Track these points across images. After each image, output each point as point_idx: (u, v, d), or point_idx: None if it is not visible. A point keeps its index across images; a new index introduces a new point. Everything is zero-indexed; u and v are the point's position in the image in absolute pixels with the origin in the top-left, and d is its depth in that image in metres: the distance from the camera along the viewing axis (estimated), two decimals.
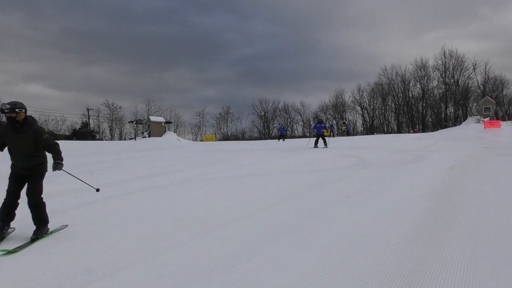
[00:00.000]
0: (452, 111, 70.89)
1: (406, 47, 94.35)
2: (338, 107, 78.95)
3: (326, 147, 19.45)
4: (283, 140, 36.15)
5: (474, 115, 51.50)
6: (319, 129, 20.19)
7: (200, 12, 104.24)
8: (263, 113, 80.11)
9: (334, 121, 66.93)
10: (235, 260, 3.20)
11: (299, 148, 18.85)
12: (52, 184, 7.91)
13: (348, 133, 50.34)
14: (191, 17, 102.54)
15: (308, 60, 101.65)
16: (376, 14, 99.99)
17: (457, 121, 61.31)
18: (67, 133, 61.60)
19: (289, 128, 40.21)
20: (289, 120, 76.19)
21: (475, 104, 64.88)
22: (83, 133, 57.93)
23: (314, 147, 19.33)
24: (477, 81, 68.48)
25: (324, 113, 79.03)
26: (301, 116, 78.84)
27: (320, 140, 19.93)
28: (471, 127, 37.71)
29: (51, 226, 4.35)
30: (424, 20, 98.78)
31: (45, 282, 2.86)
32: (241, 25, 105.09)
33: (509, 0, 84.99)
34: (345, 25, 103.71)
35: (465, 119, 52.77)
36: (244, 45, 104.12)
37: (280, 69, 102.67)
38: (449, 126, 50.99)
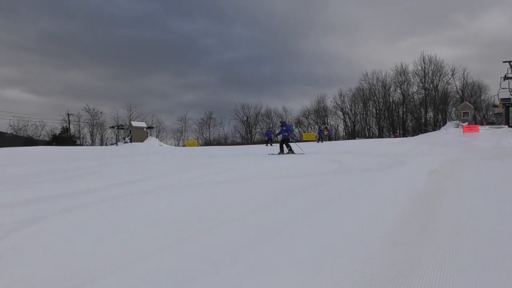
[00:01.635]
0: (432, 115, 72.22)
1: (384, 54, 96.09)
2: (320, 112, 79.70)
3: (292, 153, 17.97)
4: (271, 144, 34.00)
5: (453, 120, 52.33)
6: (281, 133, 18.71)
7: (180, 17, 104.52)
8: (245, 118, 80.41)
9: (323, 126, 67.26)
10: (218, 266, 3.19)
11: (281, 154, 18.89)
12: (30, 190, 7.80)
13: (330, 138, 50.64)
14: (170, 22, 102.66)
15: (288, 65, 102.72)
16: (354, 21, 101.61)
17: (436, 125, 62.40)
18: (47, 139, 60.74)
19: (272, 132, 38.71)
20: (271, 125, 76.50)
21: (454, 109, 66.21)
22: (64, 138, 57.15)
23: (279, 153, 18.09)
24: (456, 87, 69.97)
25: (306, 118, 79.58)
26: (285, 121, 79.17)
27: (287, 146, 18.37)
28: (450, 132, 38.24)
29: (27, 234, 4.27)
30: (400, 27, 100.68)
31: None
32: (221, 30, 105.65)
33: (482, 7, 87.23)
34: (324, 30, 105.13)
35: (444, 123, 53.65)
36: (224, 50, 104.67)
37: (260, 74, 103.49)
38: (429, 131, 51.68)
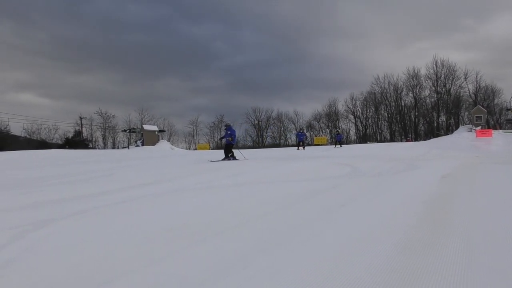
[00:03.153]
0: (444, 120, 71.62)
1: (393, 58, 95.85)
2: (331, 116, 79.44)
3: (234, 159, 16.91)
4: (303, 148, 32.30)
5: (466, 124, 51.89)
6: (225, 137, 17.41)
7: (190, 22, 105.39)
8: (256, 122, 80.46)
9: (339, 129, 67.02)
10: (229, 269, 3.19)
11: (292, 157, 18.85)
12: (43, 193, 7.87)
13: (341, 142, 50.43)
14: (181, 26, 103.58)
15: (298, 69, 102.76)
16: (363, 25, 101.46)
17: (449, 129, 61.85)
18: (60, 142, 61.35)
19: (304, 134, 36.74)
20: (282, 128, 76.41)
21: (466, 113, 65.60)
22: (76, 141, 57.72)
23: (223, 159, 16.79)
24: (469, 90, 69.33)
25: (318, 122, 79.41)
26: (294, 124, 79.45)
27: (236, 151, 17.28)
28: (463, 136, 37.89)
29: (40, 236, 4.32)
30: (409, 31, 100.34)
31: None
32: (231, 35, 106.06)
33: (492, 11, 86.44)
34: (334, 35, 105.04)
35: (457, 128, 53.17)
36: (235, 54, 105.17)
37: (270, 78, 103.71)
38: (441, 135, 51.30)
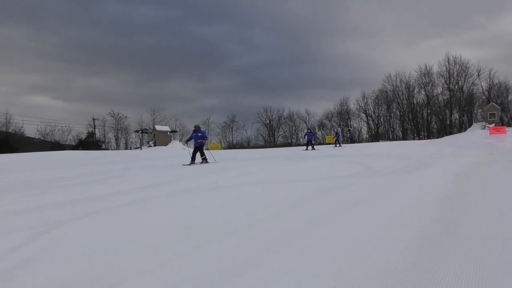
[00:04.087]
0: (457, 117, 70.85)
1: (404, 56, 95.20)
2: (343, 115, 79.09)
3: (206, 162, 15.62)
4: (312, 147, 30.67)
5: (479, 122, 51.29)
6: (196, 139, 15.98)
7: (201, 22, 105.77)
8: (268, 121, 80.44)
9: (339, 128, 66.60)
10: (241, 269, 3.20)
11: (304, 156, 18.81)
12: (57, 194, 7.97)
13: (352, 141, 50.13)
14: (192, 28, 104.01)
15: (309, 69, 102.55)
16: (373, 24, 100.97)
17: (462, 127, 61.23)
18: (73, 143, 61.99)
19: (313, 133, 35.50)
20: (294, 128, 76.30)
21: (480, 110, 64.81)
22: (89, 142, 58.24)
23: (191, 163, 15.38)
24: (482, 87, 68.49)
25: (329, 121, 79.15)
26: (306, 124, 79.17)
27: (198, 154, 15.70)
28: (477, 134, 37.53)
29: (55, 237, 4.37)
30: (419, 29, 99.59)
31: None
32: (241, 35, 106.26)
33: (504, 8, 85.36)
34: (344, 34, 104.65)
35: (470, 125, 52.65)
36: (245, 54, 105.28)
37: (281, 78, 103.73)
38: (455, 133, 50.84)
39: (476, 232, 4.12)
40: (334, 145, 36.55)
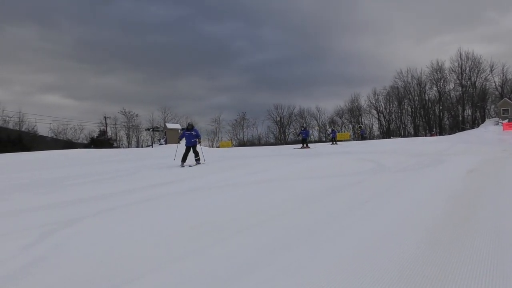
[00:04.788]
0: (470, 113, 70.06)
1: (415, 52, 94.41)
2: (354, 111, 78.73)
3: (199, 163, 14.55)
4: (307, 145, 29.24)
5: (492, 117, 50.72)
6: (189, 138, 14.79)
7: (211, 21, 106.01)
8: (278, 119, 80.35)
9: (358, 125, 66.19)
10: (253, 266, 3.20)
11: (314, 154, 18.75)
12: (70, 192, 8.04)
13: (363, 137, 49.83)
14: (202, 26, 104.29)
15: (319, 66, 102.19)
16: (383, 20, 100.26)
17: (475, 123, 60.58)
18: (85, 142, 62.47)
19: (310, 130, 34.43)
20: (305, 125, 76.22)
21: (493, 106, 64.00)
22: (101, 141, 58.57)
23: (181, 165, 14.20)
24: (495, 83, 67.61)
25: (340, 118, 78.83)
26: (316, 121, 78.97)
27: (191, 154, 14.55)
28: (490, 130, 37.07)
29: (68, 235, 4.41)
30: (430, 25, 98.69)
31: None
32: (251, 33, 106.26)
33: None
34: (354, 30, 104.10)
35: (483, 121, 52.07)
36: (255, 52, 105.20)
37: (291, 75, 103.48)
38: (467, 129, 50.29)
39: (490, 228, 4.07)
40: (331, 143, 35.60)
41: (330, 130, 44.00)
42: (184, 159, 14.44)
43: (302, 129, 33.28)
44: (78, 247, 4.03)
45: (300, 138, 31.42)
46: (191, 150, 14.71)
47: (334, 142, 34.41)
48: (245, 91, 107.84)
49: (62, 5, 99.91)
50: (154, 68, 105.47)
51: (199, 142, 15.35)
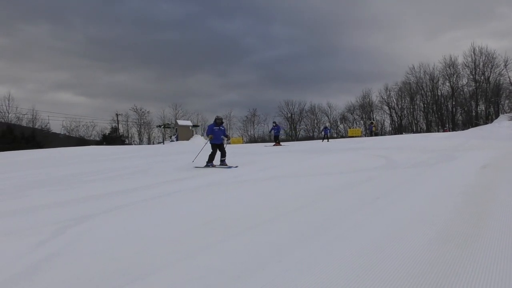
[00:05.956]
0: (483, 109, 69.15)
1: (425, 48, 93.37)
2: (365, 107, 78.24)
3: (225, 165, 12.26)
4: (278, 143, 27.35)
5: (506, 113, 50.05)
6: (218, 135, 12.62)
7: (221, 18, 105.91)
8: (289, 115, 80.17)
9: (328, 123, 65.61)
10: (264, 263, 3.21)
11: (325, 150, 18.68)
12: (82, 189, 8.11)
13: (375, 134, 49.46)
14: (212, 23, 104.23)
15: (330, 62, 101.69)
16: (394, 15, 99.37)
17: (488, 119, 59.78)
18: (97, 138, 62.93)
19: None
20: (316, 121, 75.86)
21: (507, 101, 63.12)
22: (113, 138, 59.00)
23: (209, 165, 12.23)
24: (509, 78, 66.50)
25: (351, 114, 78.40)
26: (328, 117, 78.58)
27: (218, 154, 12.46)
28: (504, 125, 36.53)
29: (81, 231, 4.46)
30: (441, 20, 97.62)
31: (80, 285, 2.93)
32: (261, 29, 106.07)
33: None
34: (365, 26, 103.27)
35: (497, 116, 51.35)
36: (265, 49, 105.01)
37: (302, 71, 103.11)
38: (480, 124, 49.68)
39: (504, 225, 4.04)
40: (322, 140, 34.88)
41: (322, 127, 43.28)
42: (211, 158, 12.59)
43: (274, 125, 29.99)
44: (92, 243, 4.07)
45: (272, 134, 29.20)
46: (219, 148, 12.82)
47: (327, 140, 33.87)
48: (256, 87, 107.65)
49: (74, 4, 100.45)
50: (165, 65, 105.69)
51: (228, 140, 12.12)
